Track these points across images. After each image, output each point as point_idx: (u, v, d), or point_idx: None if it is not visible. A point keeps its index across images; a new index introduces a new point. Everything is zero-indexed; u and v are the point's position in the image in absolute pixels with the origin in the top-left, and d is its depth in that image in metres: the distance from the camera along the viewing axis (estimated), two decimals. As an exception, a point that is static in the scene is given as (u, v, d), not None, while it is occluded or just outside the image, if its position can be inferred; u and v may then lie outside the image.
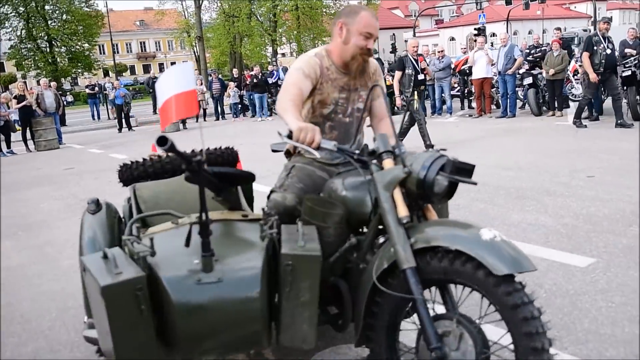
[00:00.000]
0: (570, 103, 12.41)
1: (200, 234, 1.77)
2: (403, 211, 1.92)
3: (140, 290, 1.66)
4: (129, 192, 2.66)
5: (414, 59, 8.89)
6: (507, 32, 31.23)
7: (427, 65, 10.27)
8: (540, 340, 1.72)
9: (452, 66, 13.91)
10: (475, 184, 1.96)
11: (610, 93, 9.59)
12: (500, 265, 1.72)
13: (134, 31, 65.68)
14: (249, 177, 2.28)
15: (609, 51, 9.25)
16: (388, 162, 2.02)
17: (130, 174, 2.74)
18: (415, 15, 40.86)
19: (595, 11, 29.00)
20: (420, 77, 8.96)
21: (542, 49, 12.65)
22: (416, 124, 8.58)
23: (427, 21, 63.11)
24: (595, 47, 9.22)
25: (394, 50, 36.43)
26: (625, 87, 9.78)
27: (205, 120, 18.33)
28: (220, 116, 18.36)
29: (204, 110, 18.54)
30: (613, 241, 3.93)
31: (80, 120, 22.74)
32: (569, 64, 11.71)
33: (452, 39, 53.60)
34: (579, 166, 6.48)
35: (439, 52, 13.73)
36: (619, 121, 9.26)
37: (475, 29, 24.95)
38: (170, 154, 2.50)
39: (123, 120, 16.80)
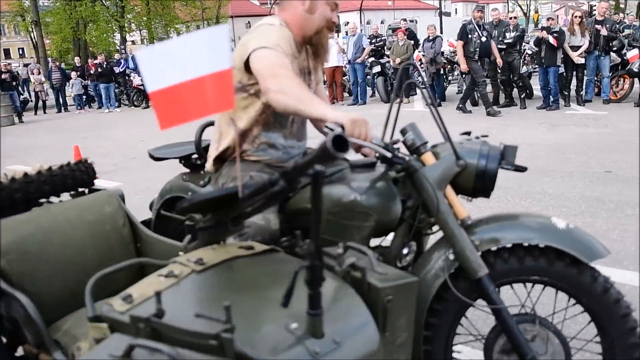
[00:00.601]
0: (417, 90, 13.26)
1: (309, 283, 1.11)
2: (462, 211, 1.70)
3: None
4: None
5: None
6: (361, 21, 32.42)
7: None
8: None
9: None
10: (525, 169, 1.81)
11: (476, 80, 9.58)
12: (589, 252, 1.62)
13: (-45, 13, 58.17)
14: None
15: (483, 39, 9.34)
16: (429, 156, 1.78)
17: None
18: (270, 3, 40.92)
19: (440, 3, 30.65)
20: None
21: (382, 38, 13.23)
22: None
23: (283, 10, 63.39)
24: (469, 36, 9.30)
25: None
26: (464, 76, 10.47)
27: (45, 112, 16.89)
28: (62, 108, 16.94)
29: (44, 102, 17.12)
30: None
31: None
32: (414, 52, 12.47)
33: (308, 28, 54.61)
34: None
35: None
36: (488, 110, 9.46)
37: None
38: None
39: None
